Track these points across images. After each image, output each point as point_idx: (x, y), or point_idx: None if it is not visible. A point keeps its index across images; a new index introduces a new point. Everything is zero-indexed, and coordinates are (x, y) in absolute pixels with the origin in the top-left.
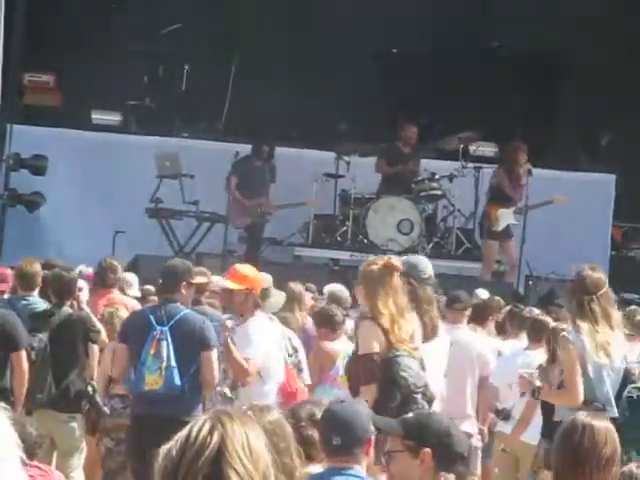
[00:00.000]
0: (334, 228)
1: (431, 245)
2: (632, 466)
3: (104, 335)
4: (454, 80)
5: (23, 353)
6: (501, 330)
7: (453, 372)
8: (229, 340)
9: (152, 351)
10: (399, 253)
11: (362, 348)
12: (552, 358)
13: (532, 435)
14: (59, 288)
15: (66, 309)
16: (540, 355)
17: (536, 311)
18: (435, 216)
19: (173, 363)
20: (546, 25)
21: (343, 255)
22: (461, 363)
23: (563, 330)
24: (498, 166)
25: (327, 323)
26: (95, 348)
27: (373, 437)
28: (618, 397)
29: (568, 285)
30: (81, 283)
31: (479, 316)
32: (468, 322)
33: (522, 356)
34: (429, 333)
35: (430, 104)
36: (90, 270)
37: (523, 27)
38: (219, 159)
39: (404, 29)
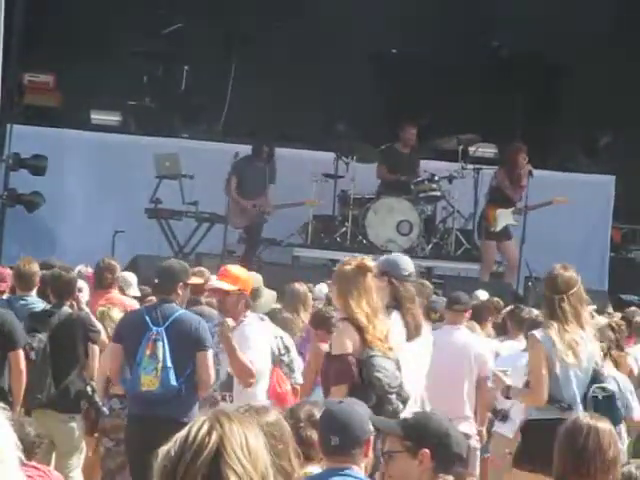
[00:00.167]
0: (333, 229)
1: (430, 246)
2: (631, 467)
3: (104, 335)
4: (454, 80)
5: (21, 352)
6: (501, 330)
7: (451, 373)
8: (232, 341)
9: (148, 352)
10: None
11: (335, 348)
12: None
13: None
14: (58, 288)
15: (66, 309)
16: None
17: (535, 312)
18: (434, 217)
19: (169, 364)
20: (546, 25)
21: (342, 256)
22: (459, 364)
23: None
24: (499, 167)
25: (323, 325)
26: (95, 348)
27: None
28: (584, 397)
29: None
30: (82, 283)
31: (478, 317)
32: (467, 323)
33: (520, 357)
34: (412, 332)
35: (430, 104)
36: (90, 270)
37: (523, 27)
38: (219, 159)
39: (404, 29)
